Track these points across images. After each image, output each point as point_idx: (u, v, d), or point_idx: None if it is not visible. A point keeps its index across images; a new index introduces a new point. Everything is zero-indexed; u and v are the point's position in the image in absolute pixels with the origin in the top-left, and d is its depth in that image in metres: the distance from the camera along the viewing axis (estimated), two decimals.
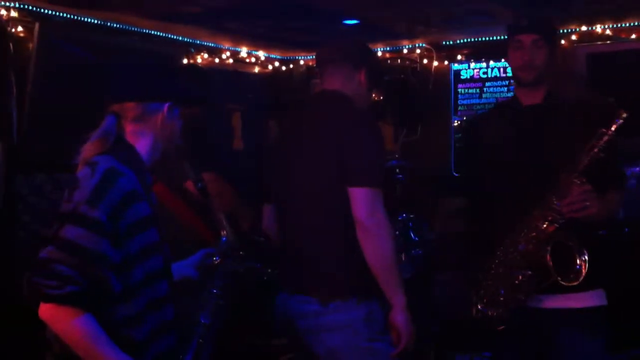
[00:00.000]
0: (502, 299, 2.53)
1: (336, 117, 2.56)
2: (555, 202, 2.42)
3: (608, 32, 5.04)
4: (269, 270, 3.87)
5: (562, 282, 2.40)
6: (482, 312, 2.58)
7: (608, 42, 5.07)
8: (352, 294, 2.49)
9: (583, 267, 2.40)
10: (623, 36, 5.05)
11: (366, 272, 2.46)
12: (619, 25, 5.02)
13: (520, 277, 2.49)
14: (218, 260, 2.40)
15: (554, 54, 2.67)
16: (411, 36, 5.52)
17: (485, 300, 2.57)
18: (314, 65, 6.50)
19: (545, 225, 2.44)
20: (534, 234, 2.46)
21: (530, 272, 2.46)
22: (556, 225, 2.43)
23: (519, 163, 2.60)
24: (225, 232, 2.41)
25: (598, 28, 5.06)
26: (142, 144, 2.06)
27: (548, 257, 2.40)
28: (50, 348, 1.93)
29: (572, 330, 2.53)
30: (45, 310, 1.82)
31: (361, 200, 2.43)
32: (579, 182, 2.37)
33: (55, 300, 1.80)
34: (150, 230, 1.98)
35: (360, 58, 2.74)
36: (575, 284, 2.41)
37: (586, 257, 2.40)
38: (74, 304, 1.81)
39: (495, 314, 2.54)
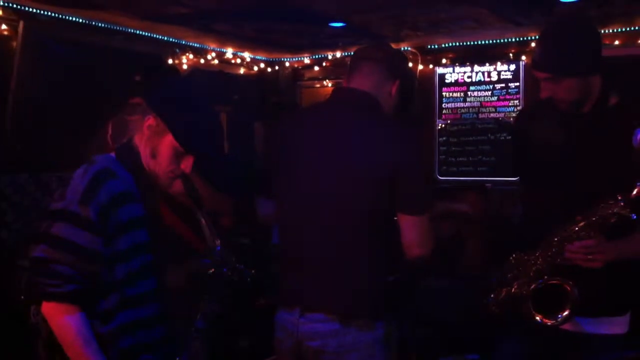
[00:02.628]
0: (505, 300, 2.55)
1: (383, 131, 2.38)
2: (557, 241, 2.40)
3: (618, 36, 5.06)
4: (252, 272, 3.86)
5: (538, 319, 2.42)
6: (488, 303, 2.59)
7: (616, 42, 5.07)
8: (374, 312, 2.36)
9: (563, 319, 2.39)
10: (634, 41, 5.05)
11: (386, 290, 2.38)
12: (629, 29, 5.03)
13: (520, 291, 2.50)
14: (212, 271, 2.36)
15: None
16: (397, 40, 5.54)
17: (498, 296, 2.58)
18: (300, 67, 6.56)
19: (550, 257, 2.43)
20: (541, 262, 2.46)
21: (528, 293, 2.46)
22: (557, 260, 2.40)
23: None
24: (219, 241, 2.36)
25: (608, 31, 5.06)
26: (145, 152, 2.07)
27: (532, 292, 2.42)
28: (39, 334, 1.99)
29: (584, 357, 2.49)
30: (47, 308, 1.89)
31: (415, 228, 2.33)
32: (587, 234, 2.32)
33: (57, 299, 1.87)
34: (141, 230, 2.02)
35: (399, 69, 2.55)
36: (549, 323, 2.41)
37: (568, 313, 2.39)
38: (73, 302, 1.88)
39: (496, 310, 2.56)
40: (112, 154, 2.05)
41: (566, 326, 2.45)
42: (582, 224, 2.35)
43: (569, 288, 2.37)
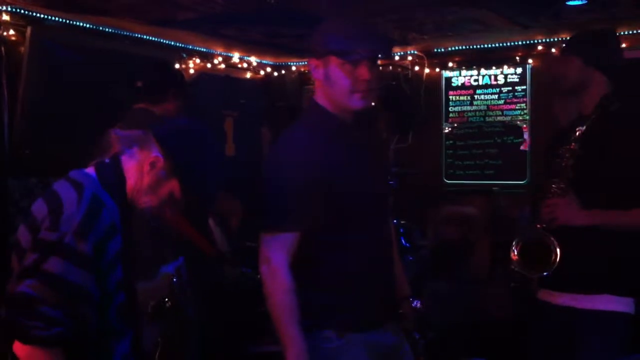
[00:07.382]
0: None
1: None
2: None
3: (624, 39, 5.04)
4: (259, 276, 3.86)
5: (517, 269, 2.58)
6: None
7: (623, 45, 5.05)
8: (303, 325, 2.25)
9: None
10: None
11: (310, 306, 2.24)
12: (636, 32, 5.01)
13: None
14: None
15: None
16: (403, 43, 5.54)
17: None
18: (307, 72, 6.56)
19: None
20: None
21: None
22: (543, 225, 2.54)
23: None
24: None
25: None
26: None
27: (515, 252, 2.56)
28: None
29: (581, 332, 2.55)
30: (22, 348, 1.70)
31: (260, 246, 2.22)
32: (556, 192, 2.52)
33: (40, 343, 1.68)
34: (119, 265, 1.87)
35: (323, 44, 2.21)
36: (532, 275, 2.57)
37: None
38: (58, 346, 1.70)
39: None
40: (92, 172, 1.88)
41: (566, 302, 2.56)
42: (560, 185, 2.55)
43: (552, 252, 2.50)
